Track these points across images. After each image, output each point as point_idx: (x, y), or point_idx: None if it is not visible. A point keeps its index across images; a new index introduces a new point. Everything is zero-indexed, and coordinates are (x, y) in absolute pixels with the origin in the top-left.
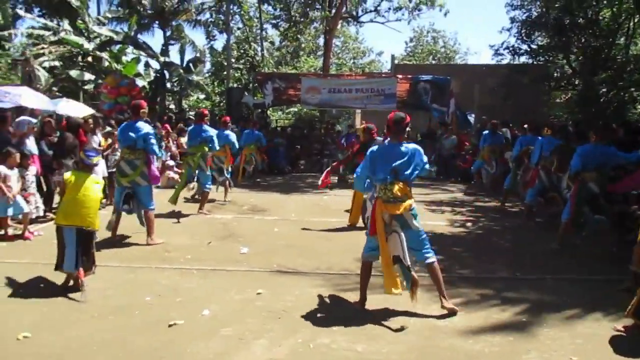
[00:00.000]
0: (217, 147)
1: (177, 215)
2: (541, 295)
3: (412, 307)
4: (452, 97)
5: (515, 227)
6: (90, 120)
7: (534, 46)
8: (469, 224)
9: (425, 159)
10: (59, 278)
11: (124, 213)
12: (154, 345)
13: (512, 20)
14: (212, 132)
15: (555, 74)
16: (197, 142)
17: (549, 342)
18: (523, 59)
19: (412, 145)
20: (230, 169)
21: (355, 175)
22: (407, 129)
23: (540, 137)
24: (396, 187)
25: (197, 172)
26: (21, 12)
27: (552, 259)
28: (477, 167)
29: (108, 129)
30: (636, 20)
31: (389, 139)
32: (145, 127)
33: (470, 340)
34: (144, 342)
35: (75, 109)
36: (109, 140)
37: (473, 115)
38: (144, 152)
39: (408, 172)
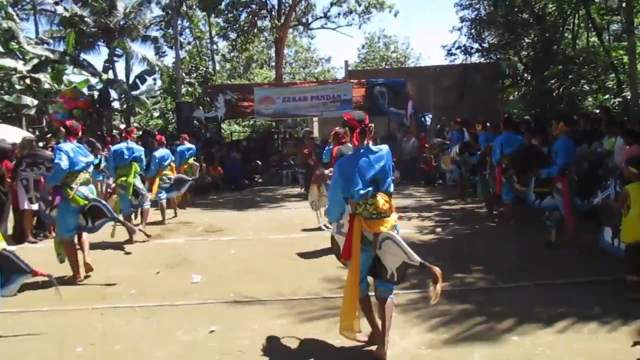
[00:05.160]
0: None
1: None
2: (528, 306)
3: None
4: (409, 99)
5: (486, 231)
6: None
7: (485, 45)
8: (438, 230)
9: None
10: None
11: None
12: None
13: (462, 19)
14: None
15: (508, 71)
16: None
17: None
18: (475, 57)
19: (384, 147)
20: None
21: (329, 203)
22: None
23: (499, 135)
24: (381, 201)
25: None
26: None
27: (530, 263)
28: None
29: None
30: (580, 14)
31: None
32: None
33: None
34: None
35: (10, 133)
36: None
37: (430, 116)
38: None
39: (389, 179)
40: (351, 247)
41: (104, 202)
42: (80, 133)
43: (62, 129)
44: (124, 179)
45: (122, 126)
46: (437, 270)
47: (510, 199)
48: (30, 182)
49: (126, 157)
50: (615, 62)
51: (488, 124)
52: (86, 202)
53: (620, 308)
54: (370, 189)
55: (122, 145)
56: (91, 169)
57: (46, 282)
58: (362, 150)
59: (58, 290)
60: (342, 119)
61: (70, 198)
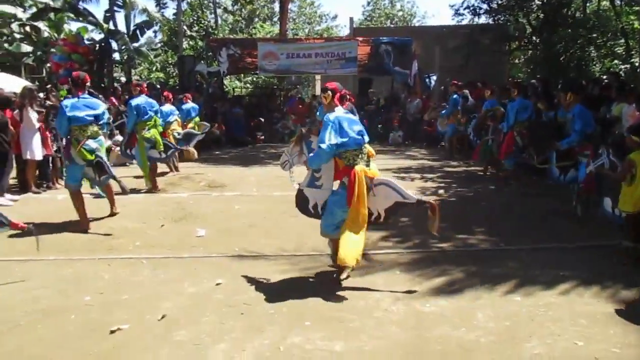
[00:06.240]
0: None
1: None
2: (530, 269)
3: (392, 289)
4: (414, 59)
5: (489, 194)
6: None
7: (493, 5)
8: (441, 192)
9: None
10: None
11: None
12: (90, 358)
13: None
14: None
15: (516, 33)
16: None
17: (548, 325)
18: (483, 18)
19: None
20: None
21: (325, 147)
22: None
23: (512, 102)
24: (370, 149)
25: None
26: None
27: (532, 226)
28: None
29: (49, 103)
30: None
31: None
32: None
33: (462, 329)
34: (79, 354)
35: (9, 83)
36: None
37: (435, 78)
38: None
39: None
40: (353, 193)
41: (105, 158)
42: (87, 83)
43: (70, 82)
44: (151, 133)
45: (123, 79)
46: (433, 202)
47: (512, 165)
48: (58, 132)
49: (150, 112)
50: (625, 27)
51: (495, 88)
52: (93, 157)
53: (622, 273)
54: (361, 138)
55: (142, 100)
56: (104, 119)
57: (52, 230)
58: (347, 111)
59: (38, 240)
60: (324, 86)
61: (77, 151)
